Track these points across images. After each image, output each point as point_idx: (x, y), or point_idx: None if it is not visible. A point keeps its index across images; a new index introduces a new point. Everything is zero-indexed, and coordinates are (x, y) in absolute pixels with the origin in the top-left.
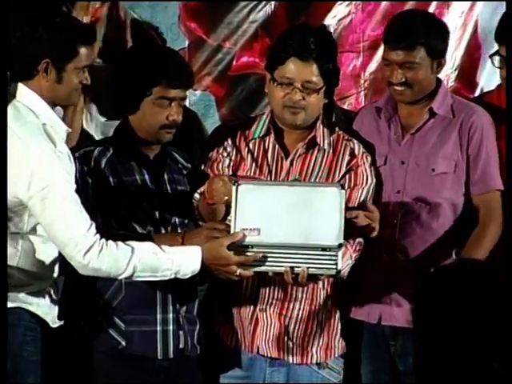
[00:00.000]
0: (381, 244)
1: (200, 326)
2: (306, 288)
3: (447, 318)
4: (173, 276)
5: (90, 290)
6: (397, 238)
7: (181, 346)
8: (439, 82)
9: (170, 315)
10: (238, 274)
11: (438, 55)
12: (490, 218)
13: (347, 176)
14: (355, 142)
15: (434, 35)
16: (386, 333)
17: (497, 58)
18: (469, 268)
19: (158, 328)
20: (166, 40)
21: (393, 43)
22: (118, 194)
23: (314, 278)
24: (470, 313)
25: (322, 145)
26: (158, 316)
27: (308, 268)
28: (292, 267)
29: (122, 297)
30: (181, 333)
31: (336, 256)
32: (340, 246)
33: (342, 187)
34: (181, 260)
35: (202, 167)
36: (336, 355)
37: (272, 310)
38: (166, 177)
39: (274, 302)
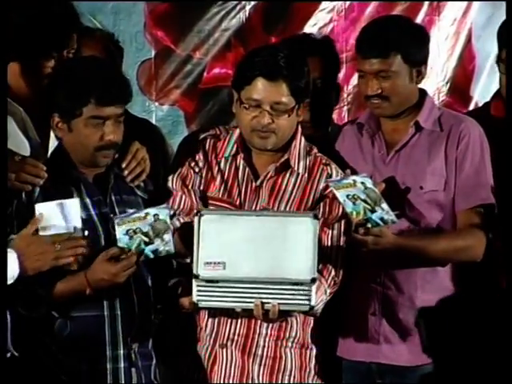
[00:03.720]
0: (368, 273)
1: (156, 361)
2: (270, 324)
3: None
4: None
5: (33, 326)
6: (385, 266)
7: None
8: (424, 93)
9: (121, 351)
10: None
11: (416, 63)
12: (471, 235)
13: (322, 203)
14: (333, 166)
15: (411, 41)
16: (372, 370)
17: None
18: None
19: (108, 366)
20: (124, 49)
21: (365, 52)
22: None
23: (286, 314)
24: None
25: (295, 168)
26: (108, 353)
27: (279, 304)
28: (262, 302)
29: (67, 333)
30: (133, 370)
31: (309, 291)
32: (313, 280)
33: (315, 217)
34: None
35: (172, 181)
36: None
37: (234, 346)
38: (113, 198)
39: (235, 337)
